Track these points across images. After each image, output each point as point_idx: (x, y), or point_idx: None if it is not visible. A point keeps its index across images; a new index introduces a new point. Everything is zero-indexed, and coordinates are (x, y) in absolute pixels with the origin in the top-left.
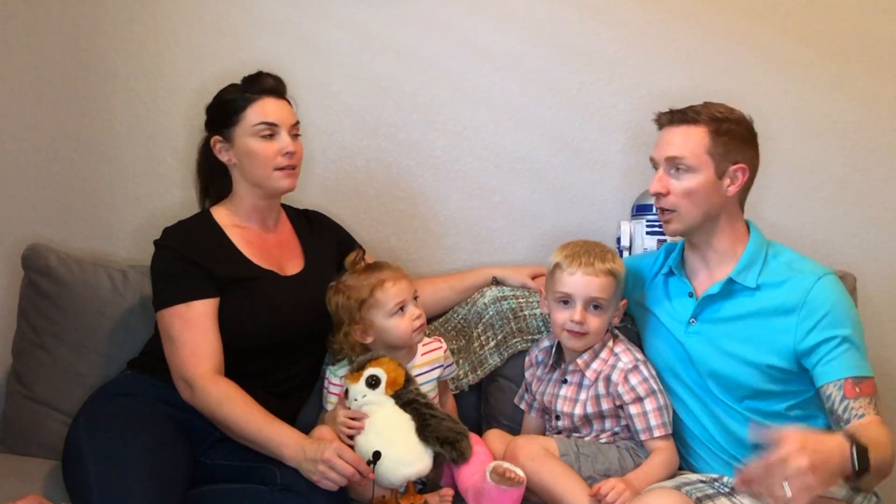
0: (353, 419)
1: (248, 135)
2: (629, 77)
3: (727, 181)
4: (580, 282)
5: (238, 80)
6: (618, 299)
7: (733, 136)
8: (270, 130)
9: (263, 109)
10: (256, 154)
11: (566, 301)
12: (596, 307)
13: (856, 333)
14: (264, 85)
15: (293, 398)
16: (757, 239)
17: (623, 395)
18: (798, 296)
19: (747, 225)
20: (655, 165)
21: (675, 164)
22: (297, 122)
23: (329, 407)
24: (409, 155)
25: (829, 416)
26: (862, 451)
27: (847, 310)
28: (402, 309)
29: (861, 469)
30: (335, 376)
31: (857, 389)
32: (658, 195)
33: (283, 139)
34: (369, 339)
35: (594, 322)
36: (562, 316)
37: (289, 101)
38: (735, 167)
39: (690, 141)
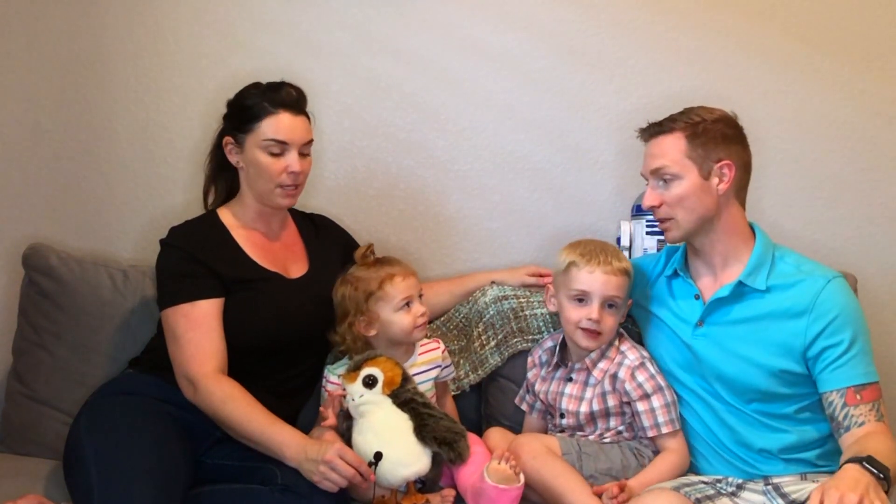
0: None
1: (257, 147)
2: (629, 77)
3: (715, 180)
4: (599, 280)
5: (238, 81)
6: (627, 298)
7: (711, 135)
8: (280, 149)
9: (277, 125)
10: (262, 168)
11: (581, 299)
12: (611, 306)
13: (862, 337)
14: (285, 97)
15: (294, 399)
16: (763, 241)
17: (630, 392)
18: (808, 299)
19: (752, 228)
20: (646, 180)
21: (660, 175)
22: (311, 141)
23: None
24: (409, 155)
25: (829, 422)
26: (882, 468)
27: (854, 313)
28: (408, 304)
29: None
30: (333, 374)
31: (859, 397)
32: (652, 208)
33: (291, 158)
34: (373, 332)
35: (609, 321)
36: (577, 314)
37: (307, 116)
38: (719, 164)
39: (669, 149)
